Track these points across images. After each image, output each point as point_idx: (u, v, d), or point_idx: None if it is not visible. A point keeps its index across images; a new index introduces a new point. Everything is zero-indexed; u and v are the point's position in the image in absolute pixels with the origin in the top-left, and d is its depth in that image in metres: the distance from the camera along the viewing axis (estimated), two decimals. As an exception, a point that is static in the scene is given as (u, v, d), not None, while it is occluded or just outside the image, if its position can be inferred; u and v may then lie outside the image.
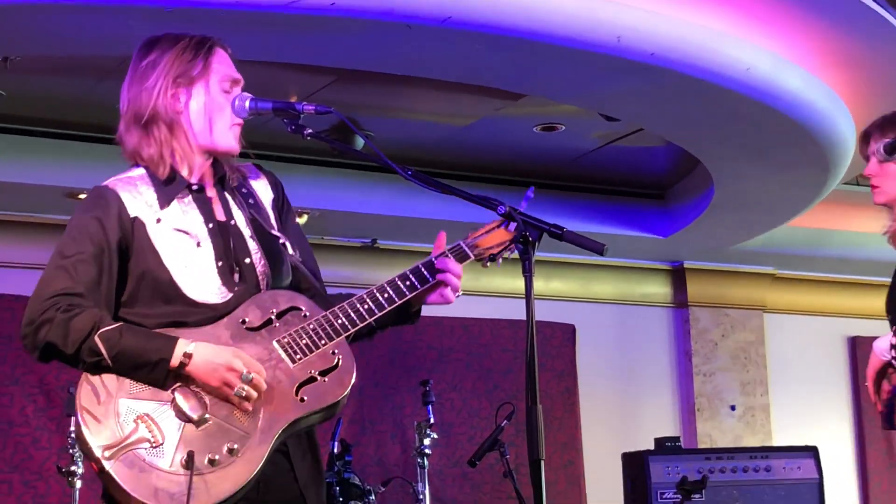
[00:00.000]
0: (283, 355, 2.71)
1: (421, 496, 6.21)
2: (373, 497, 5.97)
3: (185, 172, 2.81)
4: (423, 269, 2.86)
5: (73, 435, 5.71)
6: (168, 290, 2.71)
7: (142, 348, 2.60)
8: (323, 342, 2.72)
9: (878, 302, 10.47)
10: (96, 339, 2.59)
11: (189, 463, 2.57)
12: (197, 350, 2.62)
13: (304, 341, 2.71)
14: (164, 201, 2.77)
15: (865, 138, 3.54)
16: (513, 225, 2.78)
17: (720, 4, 5.48)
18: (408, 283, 2.84)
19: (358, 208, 7.30)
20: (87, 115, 6.42)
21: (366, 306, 2.79)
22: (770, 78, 5.76)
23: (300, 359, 2.71)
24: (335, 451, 6.03)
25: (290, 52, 5.35)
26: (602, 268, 8.53)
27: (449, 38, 5.08)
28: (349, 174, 7.26)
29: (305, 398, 2.69)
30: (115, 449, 2.57)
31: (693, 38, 5.44)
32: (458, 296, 2.89)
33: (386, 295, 2.82)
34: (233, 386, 2.62)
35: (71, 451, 5.69)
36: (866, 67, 6.02)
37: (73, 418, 5.66)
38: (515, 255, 2.74)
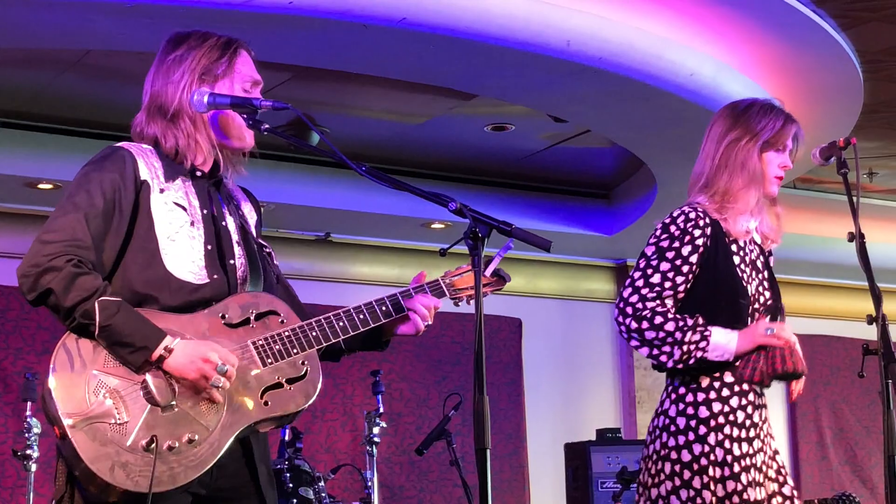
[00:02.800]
0: (256, 356, 2.75)
1: (369, 483, 6.27)
2: (322, 483, 5.99)
3: (195, 158, 2.84)
4: (399, 298, 2.93)
5: (28, 420, 5.76)
6: (150, 259, 2.73)
7: (132, 330, 2.62)
8: (295, 351, 2.77)
9: (813, 301, 10.68)
10: (95, 303, 2.61)
11: (149, 446, 2.59)
12: (177, 346, 2.65)
13: (276, 347, 2.76)
14: (170, 176, 2.80)
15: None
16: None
17: (666, 11, 5.60)
18: (384, 308, 2.90)
19: (312, 202, 7.37)
20: (47, 106, 6.45)
21: (341, 324, 2.84)
22: (712, 83, 5.91)
23: (270, 363, 2.75)
24: (286, 438, 6.07)
25: (248, 49, 5.42)
26: (548, 264, 8.67)
27: (404, 39, 5.17)
28: (304, 169, 7.32)
29: (269, 402, 2.73)
30: (79, 418, 2.58)
31: (640, 43, 5.58)
32: (426, 325, 2.96)
33: (361, 316, 2.87)
34: (209, 377, 2.65)
35: (26, 435, 5.70)
36: (805, 76, 6.17)
37: (28, 403, 5.76)
38: (465, 249, 2.75)
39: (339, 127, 6.88)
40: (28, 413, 5.77)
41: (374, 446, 6.34)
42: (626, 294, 3.31)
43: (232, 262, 2.84)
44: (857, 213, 3.22)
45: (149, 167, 2.79)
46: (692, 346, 3.20)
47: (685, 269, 3.29)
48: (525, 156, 7.63)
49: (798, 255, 8.53)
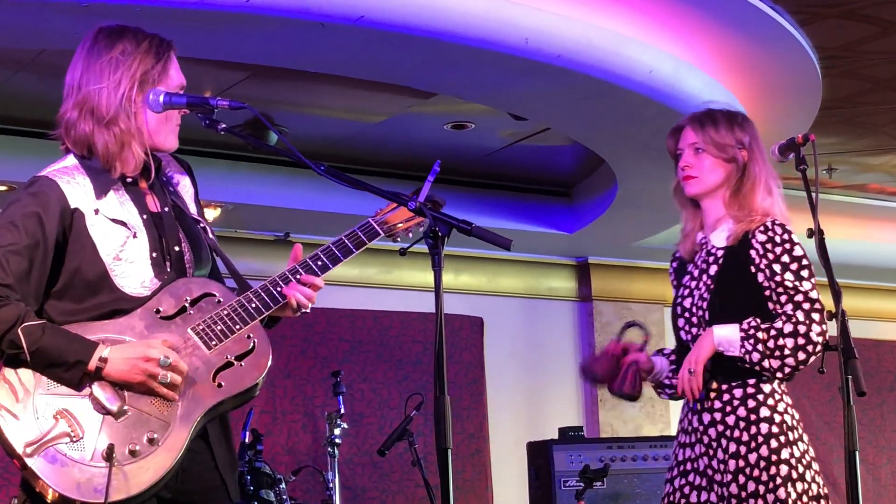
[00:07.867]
0: (199, 342, 2.73)
1: (331, 484, 6.26)
2: (283, 485, 5.98)
3: (125, 166, 2.83)
4: (335, 250, 2.98)
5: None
6: (100, 283, 2.72)
7: (62, 348, 2.62)
8: (238, 327, 2.76)
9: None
10: (19, 331, 2.61)
11: (109, 455, 2.59)
12: (112, 354, 2.64)
13: (218, 327, 2.75)
14: (101, 191, 2.78)
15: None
16: (411, 204, 2.84)
17: (625, 9, 5.61)
18: (319, 263, 2.92)
19: (271, 202, 7.32)
20: (0, 107, 6.32)
21: (278, 289, 2.83)
22: (671, 81, 5.90)
23: (216, 345, 2.74)
24: (246, 440, 6.03)
25: (205, 48, 5.35)
26: (509, 262, 8.66)
27: (362, 37, 5.14)
28: (263, 169, 7.28)
29: (223, 383, 2.73)
30: (35, 445, 2.58)
31: (598, 41, 5.56)
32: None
33: (298, 276, 2.87)
34: (155, 375, 2.65)
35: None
36: (763, 72, 6.19)
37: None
38: (425, 248, 2.77)
39: (297, 126, 6.85)
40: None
41: (335, 447, 6.33)
42: None
43: (177, 248, 2.83)
44: (817, 209, 3.24)
45: (77, 191, 2.76)
46: None
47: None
48: (485, 154, 7.62)
49: (757, 251, 8.59)
